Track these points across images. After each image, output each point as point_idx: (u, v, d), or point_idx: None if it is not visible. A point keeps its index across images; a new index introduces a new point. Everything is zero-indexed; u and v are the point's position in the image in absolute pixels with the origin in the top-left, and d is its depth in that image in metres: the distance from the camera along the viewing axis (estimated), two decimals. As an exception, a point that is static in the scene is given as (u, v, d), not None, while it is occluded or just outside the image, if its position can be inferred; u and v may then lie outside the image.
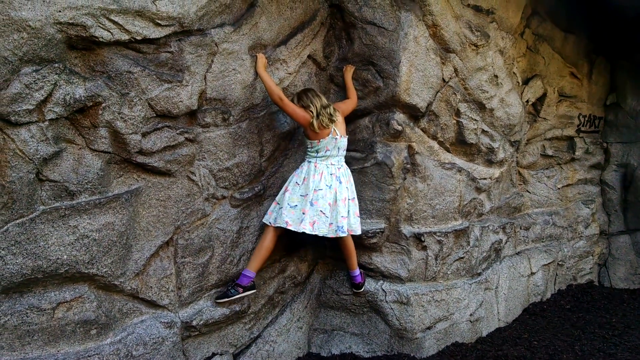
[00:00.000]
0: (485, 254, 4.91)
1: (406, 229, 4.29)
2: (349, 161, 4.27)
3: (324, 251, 4.44)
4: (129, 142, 2.99)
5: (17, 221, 2.63)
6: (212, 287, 3.59)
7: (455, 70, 4.44)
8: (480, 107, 4.71)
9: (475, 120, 4.64)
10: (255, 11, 3.63)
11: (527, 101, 5.63)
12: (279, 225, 3.63)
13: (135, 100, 2.97)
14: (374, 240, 4.22)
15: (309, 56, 4.11)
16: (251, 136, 3.72)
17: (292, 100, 3.76)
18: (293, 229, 3.64)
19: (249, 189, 3.77)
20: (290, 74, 3.98)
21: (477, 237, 4.75)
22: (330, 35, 4.27)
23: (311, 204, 3.67)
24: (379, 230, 4.22)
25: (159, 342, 3.19)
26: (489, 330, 4.93)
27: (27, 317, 2.71)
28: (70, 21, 2.63)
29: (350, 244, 4.02)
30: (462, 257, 4.60)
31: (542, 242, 6.06)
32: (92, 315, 2.91)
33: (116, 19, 2.80)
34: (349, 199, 3.85)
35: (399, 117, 4.16)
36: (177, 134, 3.24)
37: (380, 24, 4.04)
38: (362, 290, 4.21)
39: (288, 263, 4.15)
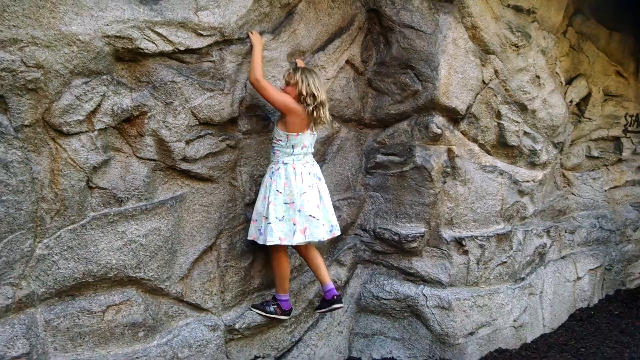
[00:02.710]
0: (529, 258, 4.81)
1: (447, 233, 4.25)
2: (388, 165, 4.27)
3: (363, 255, 4.45)
4: (173, 150, 3.07)
5: (69, 227, 2.74)
6: (254, 291, 3.65)
7: (496, 71, 4.38)
8: (522, 108, 4.63)
9: (517, 122, 4.56)
10: (293, 18, 3.68)
11: (571, 101, 5.49)
12: (271, 243, 3.26)
13: (179, 109, 3.05)
14: (414, 245, 4.20)
15: (347, 61, 4.13)
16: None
17: (286, 77, 3.36)
18: (287, 244, 3.32)
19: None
20: (328, 79, 4.01)
21: (520, 241, 4.66)
22: (367, 39, 4.28)
23: (299, 211, 3.30)
24: (418, 234, 4.20)
25: (203, 344, 3.26)
26: (534, 337, 4.83)
27: (79, 319, 2.82)
28: (117, 34, 2.73)
29: (316, 253, 3.59)
30: (504, 262, 4.52)
31: (589, 246, 5.89)
32: (139, 318, 3.00)
33: (160, 30, 2.89)
34: (328, 195, 3.53)
35: (438, 120, 4.13)
36: (219, 141, 3.31)
37: (419, 27, 4.03)
38: (341, 305, 3.65)
39: (328, 268, 4.16)
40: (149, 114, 2.95)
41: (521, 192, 4.74)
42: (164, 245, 3.07)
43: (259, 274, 3.65)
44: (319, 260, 3.57)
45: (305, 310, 4.00)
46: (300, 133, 3.32)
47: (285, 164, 3.33)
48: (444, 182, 4.20)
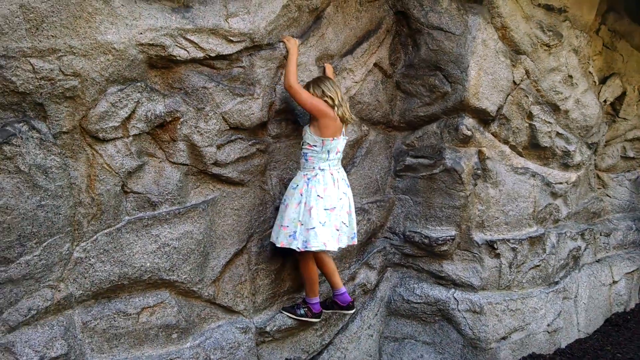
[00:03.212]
0: (562, 261, 4.72)
1: (478, 236, 4.20)
2: (417, 168, 4.25)
3: (393, 258, 4.43)
4: (204, 155, 3.12)
5: (105, 231, 2.81)
6: (284, 294, 3.67)
7: (527, 72, 4.32)
8: (554, 109, 4.55)
9: (549, 122, 4.49)
10: (322, 23, 3.70)
11: (605, 101, 5.37)
12: (316, 249, 3.26)
13: (210, 114, 3.10)
14: (445, 248, 4.16)
15: (375, 64, 4.13)
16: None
17: (307, 88, 3.38)
18: (330, 249, 3.32)
19: (318, 198, 3.82)
20: (356, 82, 4.01)
21: (554, 244, 4.57)
22: (396, 42, 4.27)
23: (338, 217, 3.36)
24: (449, 237, 4.16)
25: (235, 347, 3.30)
26: (568, 342, 4.73)
27: (115, 321, 2.88)
28: (151, 42, 2.79)
29: (328, 257, 3.59)
30: (537, 265, 4.44)
31: (625, 249, 5.74)
32: (173, 320, 3.06)
33: (192, 37, 2.94)
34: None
35: (468, 122, 4.09)
36: (250, 145, 3.34)
37: (447, 29, 4.00)
38: (354, 310, 3.70)
39: (358, 271, 4.16)
40: (181, 120, 3.00)
41: (554, 194, 4.66)
42: (196, 249, 3.12)
43: (289, 277, 3.68)
44: (333, 265, 3.61)
45: (336, 313, 4.00)
46: (335, 138, 3.34)
47: (323, 170, 3.35)
48: (475, 185, 4.16)
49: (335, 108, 3.31)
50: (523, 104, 4.31)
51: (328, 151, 3.35)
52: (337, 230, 3.33)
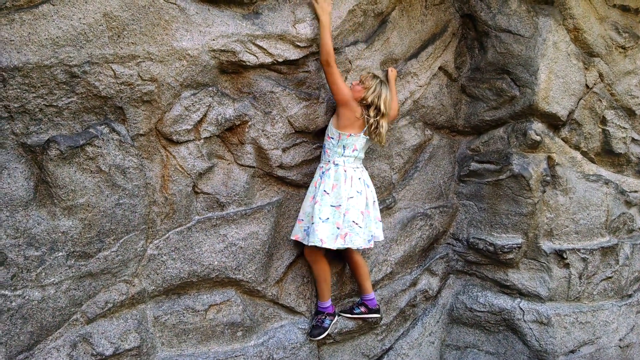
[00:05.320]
0: (637, 274, 4.48)
1: (546, 245, 4.06)
2: (482, 173, 4.16)
3: (456, 265, 4.35)
4: (271, 157, 3.19)
5: (177, 229, 2.93)
6: (345, 296, 3.68)
7: (600, 75, 4.14)
8: (630, 113, 4.34)
9: (624, 128, 4.28)
10: (386, 27, 3.69)
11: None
12: (312, 244, 3.15)
13: (276, 118, 3.17)
14: (511, 256, 4.05)
15: (439, 68, 4.08)
16: (381, 149, 3.78)
17: (363, 77, 3.29)
18: (327, 247, 3.18)
19: (380, 201, 3.81)
20: (421, 86, 3.98)
21: (628, 255, 4.35)
22: (461, 45, 4.20)
23: (344, 215, 3.20)
24: (515, 245, 4.04)
25: (297, 347, 3.34)
26: (643, 359, 4.49)
27: (184, 317, 2.99)
28: (222, 48, 2.89)
29: (362, 260, 3.55)
30: (610, 277, 4.24)
31: None
32: (238, 318, 3.13)
33: (261, 43, 3.02)
34: (375, 202, 3.44)
35: (537, 126, 3.96)
36: (314, 148, 3.39)
37: (516, 31, 3.90)
38: (380, 315, 3.66)
39: (419, 277, 4.12)
40: (249, 123, 3.08)
41: (628, 203, 4.44)
42: (261, 249, 3.18)
43: (350, 280, 3.69)
44: (366, 268, 3.56)
45: (396, 318, 3.97)
46: (352, 134, 3.21)
47: (337, 164, 3.24)
48: (544, 192, 4.02)
49: (371, 119, 3.18)
50: (596, 108, 4.14)
51: (344, 146, 3.23)
52: (338, 228, 3.17)
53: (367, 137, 3.28)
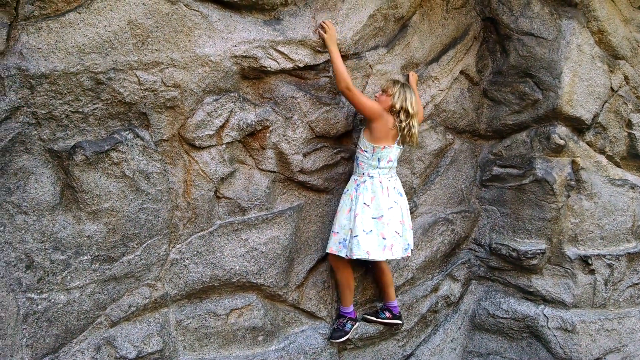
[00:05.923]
0: (665, 280, 4.38)
1: (570, 251, 3.99)
2: (505, 178, 4.12)
3: (478, 271, 4.30)
4: (291, 162, 3.20)
5: (199, 234, 2.95)
6: (366, 302, 3.67)
7: (626, 77, 4.07)
8: (657, 117, 4.25)
9: (651, 131, 4.20)
10: (407, 31, 3.68)
11: None
12: (358, 257, 3.15)
13: (297, 123, 3.18)
14: (534, 262, 3.99)
15: (461, 72, 4.05)
16: (402, 154, 3.75)
17: (384, 86, 3.28)
18: (375, 259, 3.20)
19: (402, 207, 3.80)
20: (442, 90, 3.96)
21: (655, 261, 4.26)
22: (483, 49, 4.17)
23: (387, 225, 3.21)
24: (539, 251, 3.98)
25: (317, 352, 3.33)
26: (671, 368, 4.37)
27: (205, 321, 3.01)
28: (244, 54, 2.91)
29: (388, 267, 3.56)
30: (636, 284, 4.15)
31: None
32: (259, 323, 3.14)
33: (282, 49, 3.04)
34: (407, 209, 3.45)
35: (561, 130, 3.91)
36: (334, 153, 3.39)
37: (539, 34, 3.86)
38: (402, 321, 3.68)
39: (441, 282, 4.08)
40: (270, 128, 3.10)
41: (656, 208, 4.34)
42: (282, 254, 3.19)
43: (372, 285, 3.67)
44: (391, 276, 3.59)
45: (418, 324, 3.94)
46: (386, 146, 3.21)
47: (372, 177, 3.24)
48: (568, 196, 3.96)
49: (402, 122, 3.16)
50: (621, 111, 4.07)
51: (378, 159, 3.23)
52: (385, 239, 3.19)
53: (401, 146, 3.30)
